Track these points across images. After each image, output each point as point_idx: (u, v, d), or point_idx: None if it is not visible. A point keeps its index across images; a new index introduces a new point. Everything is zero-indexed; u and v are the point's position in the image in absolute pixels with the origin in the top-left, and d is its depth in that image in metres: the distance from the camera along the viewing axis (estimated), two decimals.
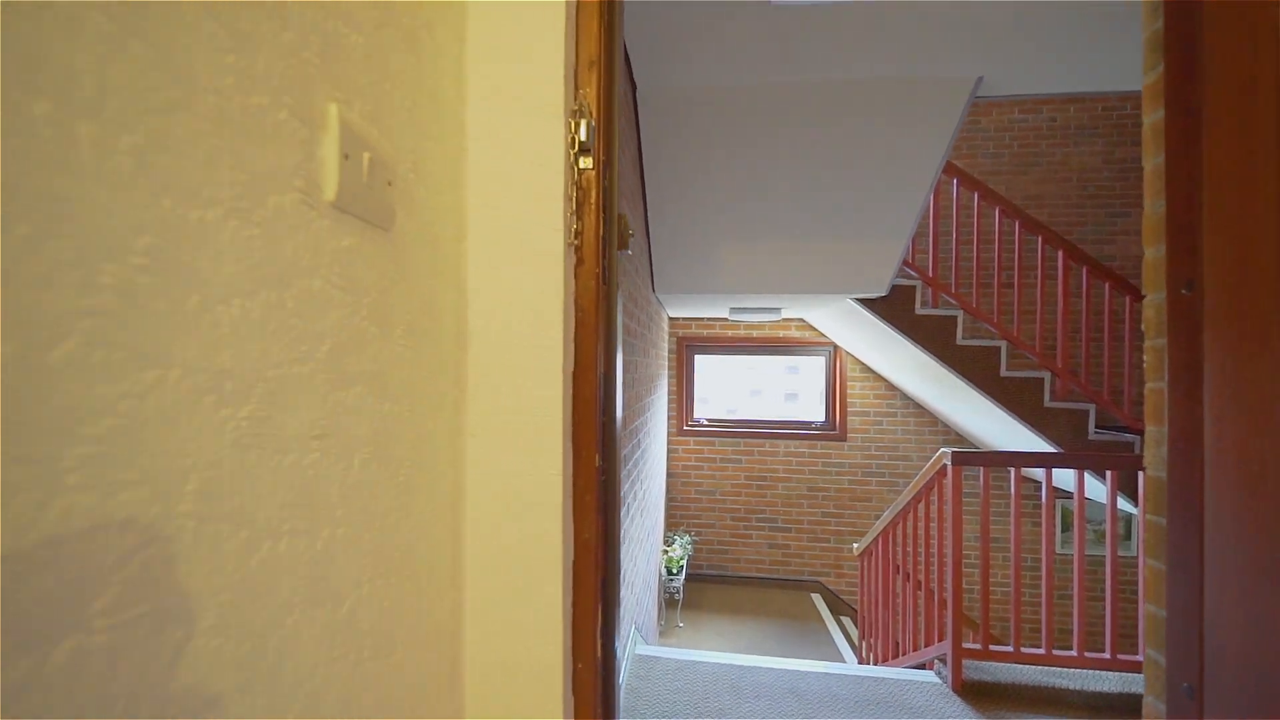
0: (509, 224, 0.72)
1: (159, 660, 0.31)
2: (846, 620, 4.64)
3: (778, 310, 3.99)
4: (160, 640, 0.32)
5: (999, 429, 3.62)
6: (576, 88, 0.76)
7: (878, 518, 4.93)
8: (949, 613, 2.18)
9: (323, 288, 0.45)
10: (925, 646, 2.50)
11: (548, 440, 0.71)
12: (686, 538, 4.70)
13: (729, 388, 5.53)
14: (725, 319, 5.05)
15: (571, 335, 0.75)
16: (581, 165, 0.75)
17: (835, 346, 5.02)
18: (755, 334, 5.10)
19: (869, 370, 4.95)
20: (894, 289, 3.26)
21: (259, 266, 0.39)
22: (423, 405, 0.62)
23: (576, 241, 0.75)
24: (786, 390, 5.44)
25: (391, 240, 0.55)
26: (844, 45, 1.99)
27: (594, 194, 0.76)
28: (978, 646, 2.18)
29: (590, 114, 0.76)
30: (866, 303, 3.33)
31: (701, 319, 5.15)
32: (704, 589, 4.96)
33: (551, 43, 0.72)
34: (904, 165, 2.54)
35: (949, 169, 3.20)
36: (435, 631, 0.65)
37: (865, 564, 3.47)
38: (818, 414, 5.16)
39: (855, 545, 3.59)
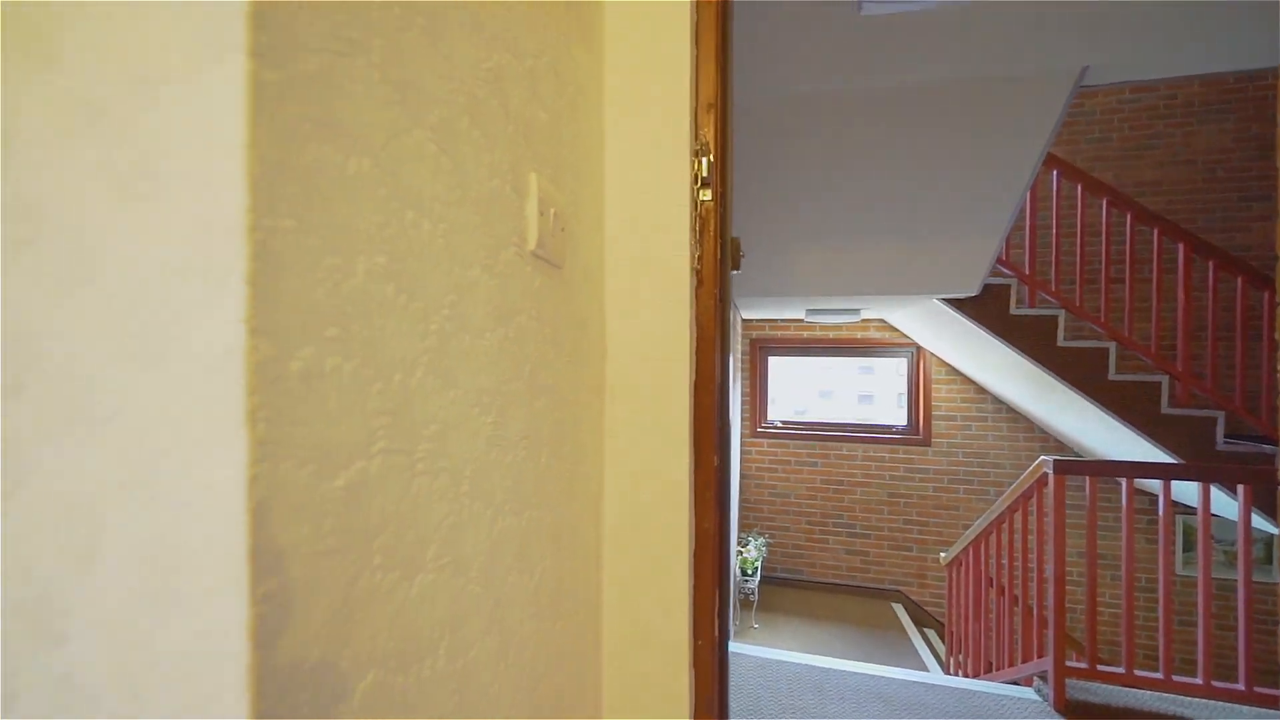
0: (640, 253, 0.83)
1: (441, 599, 0.44)
2: (931, 633, 4.46)
3: (857, 311, 3.92)
4: (453, 584, 0.44)
5: (1106, 436, 3.36)
6: (697, 128, 0.85)
7: (966, 527, 4.69)
8: (1049, 630, 2.09)
9: (527, 320, 0.57)
10: (1022, 663, 2.39)
11: (676, 442, 0.81)
12: (761, 540, 4.70)
13: (799, 389, 5.42)
14: (800, 320, 4.99)
15: (693, 349, 0.84)
16: (702, 197, 0.84)
17: (918, 347, 4.83)
18: (831, 334, 5.00)
19: (956, 372, 4.72)
20: (985, 288, 3.12)
21: (498, 307, 0.51)
22: (579, 410, 0.74)
23: (698, 266, 0.84)
24: (860, 391, 5.25)
25: (562, 276, 0.67)
26: (934, 48, 1.96)
27: (712, 222, 0.86)
28: (1084, 665, 2.07)
29: (710, 151, 0.85)
30: (955, 303, 3.20)
31: (775, 320, 5.12)
32: (779, 592, 4.93)
33: (677, 92, 0.82)
34: (998, 164, 2.44)
35: (1048, 160, 3.02)
36: (586, 603, 0.77)
37: (954, 575, 3.33)
38: (897, 417, 4.98)
39: (942, 555, 3.46)
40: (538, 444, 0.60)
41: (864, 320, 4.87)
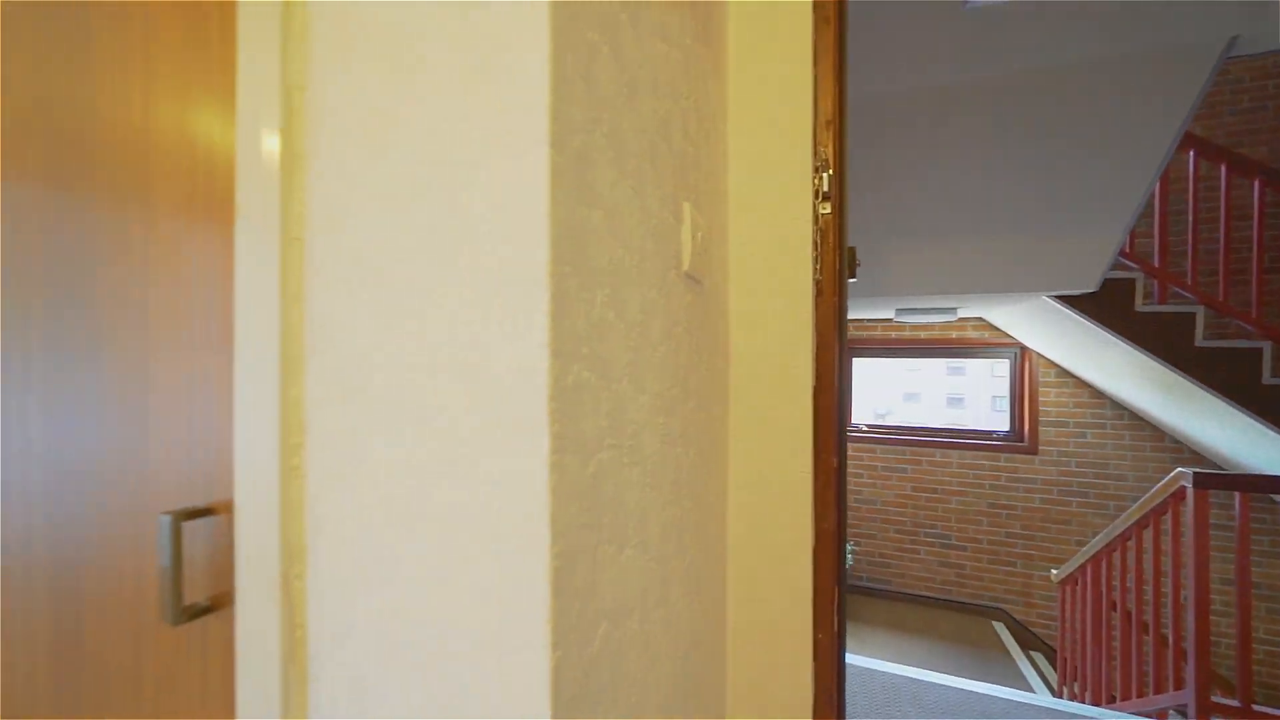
0: (763, 266, 0.88)
1: (635, 571, 0.52)
2: (1039, 657, 4.13)
3: (953, 310, 3.71)
4: (642, 560, 0.52)
5: (1256, 448, 2.96)
6: (816, 145, 0.89)
7: (1080, 543, 4.30)
8: (1189, 662, 1.90)
9: (682, 333, 0.65)
10: (1155, 694, 2.19)
11: (798, 444, 0.86)
12: (847, 546, 4.56)
13: (881, 391, 5.18)
14: (888, 320, 4.79)
15: (814, 356, 0.89)
16: (822, 210, 0.88)
17: (1022, 347, 4.49)
18: (923, 335, 4.76)
19: (1068, 374, 4.34)
20: (1105, 283, 2.86)
21: (665, 322, 0.59)
22: (713, 414, 0.81)
23: (818, 277, 0.89)
24: (949, 394, 4.94)
25: (703, 291, 0.74)
26: (1049, 31, 1.85)
27: (831, 234, 0.89)
28: (1234, 704, 1.87)
29: (830, 166, 0.89)
30: (1069, 300, 2.97)
31: (860, 320, 4.95)
32: (865, 602, 4.76)
33: (800, 112, 0.86)
34: (1124, 149, 2.25)
35: (1183, 141, 2.72)
36: (716, 591, 0.84)
37: (1068, 594, 3.08)
38: (996, 422, 4.65)
39: (1054, 572, 3.21)
40: (689, 443, 0.67)
41: (960, 319, 4.60)
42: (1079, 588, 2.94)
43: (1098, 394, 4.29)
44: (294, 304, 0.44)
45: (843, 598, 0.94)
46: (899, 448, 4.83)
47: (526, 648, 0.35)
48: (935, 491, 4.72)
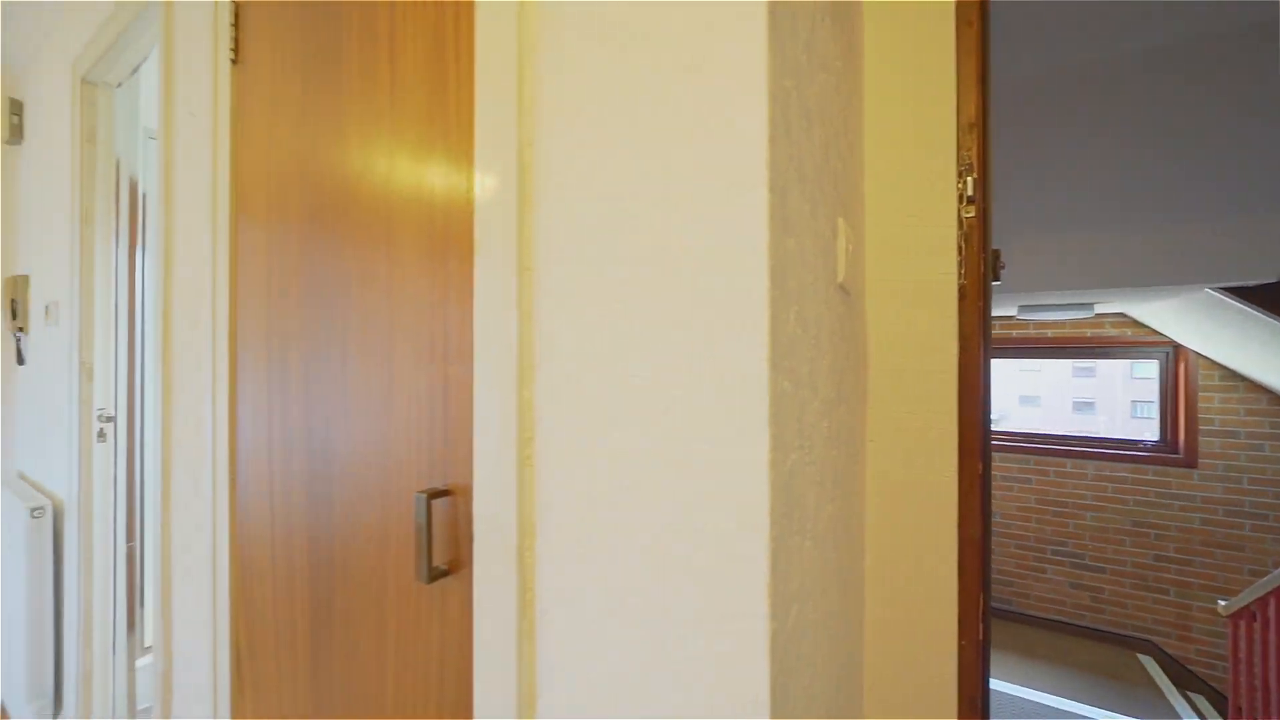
0: (903, 272, 0.89)
1: (812, 561, 0.56)
2: (1201, 699, 3.61)
3: (1090, 306, 3.36)
4: (815, 551, 0.57)
5: None
6: (960, 150, 0.89)
7: (1256, 572, 3.71)
8: None
9: (838, 341, 0.68)
10: None
11: (942, 448, 0.86)
12: None
13: (996, 393, 4.76)
14: (1009, 316, 4.41)
15: (957, 360, 0.88)
16: (966, 214, 0.88)
17: (1175, 346, 3.94)
18: (1049, 333, 4.33)
19: (1237, 377, 3.76)
20: None
21: (828, 332, 0.63)
22: (857, 417, 0.83)
23: (962, 281, 0.88)
24: (1076, 397, 4.47)
25: (849, 299, 0.77)
26: None
27: (975, 238, 0.88)
28: None
29: (974, 169, 0.88)
30: (1239, 292, 2.58)
31: None
32: None
33: (943, 117, 0.86)
34: None
35: None
36: (855, 590, 0.86)
37: (1242, 630, 2.68)
38: (1138, 429, 4.11)
39: (1222, 604, 2.80)
40: (840, 444, 0.71)
41: (1096, 315, 4.13)
42: (1260, 625, 2.55)
43: (1277, 400, 3.68)
44: (527, 323, 0.54)
45: (988, 606, 0.92)
46: (1021, 456, 4.43)
47: (749, 615, 0.41)
48: (1064, 505, 4.28)
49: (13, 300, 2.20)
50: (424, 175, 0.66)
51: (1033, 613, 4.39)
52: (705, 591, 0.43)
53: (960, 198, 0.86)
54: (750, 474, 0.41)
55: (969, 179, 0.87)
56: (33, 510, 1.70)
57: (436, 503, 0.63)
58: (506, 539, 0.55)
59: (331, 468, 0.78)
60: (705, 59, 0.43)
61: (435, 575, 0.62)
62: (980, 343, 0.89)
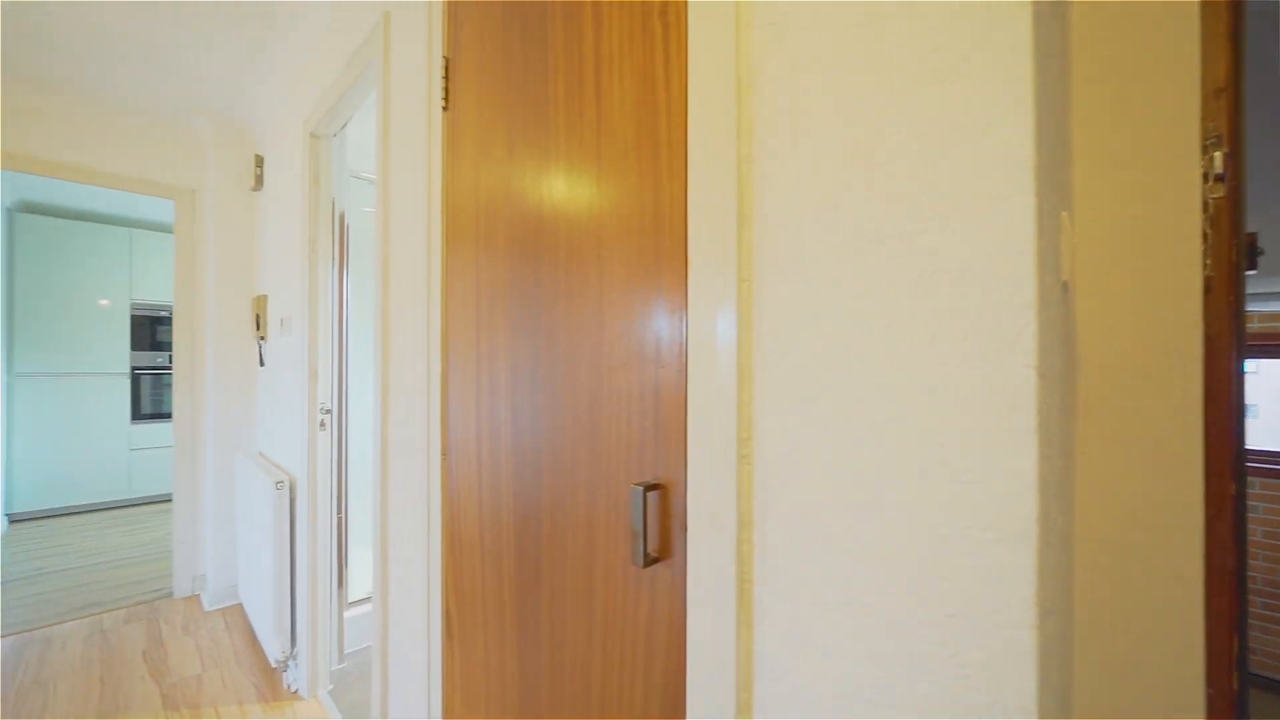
0: (1129, 263, 0.79)
1: (1049, 568, 0.53)
2: None
3: None
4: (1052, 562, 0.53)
5: None
6: (1204, 119, 0.77)
7: None
8: None
9: (1059, 344, 0.63)
10: None
11: (1182, 465, 0.75)
12: None
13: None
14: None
15: (1202, 362, 0.76)
16: (1213, 195, 0.76)
17: None
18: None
19: None
20: None
21: (1057, 333, 0.59)
22: (1070, 422, 0.76)
23: (1209, 272, 0.76)
24: None
25: (1067, 297, 0.71)
26: None
27: (1224, 221, 0.76)
28: None
29: (1223, 142, 0.76)
30: None
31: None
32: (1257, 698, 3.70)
33: (1182, 82, 0.76)
34: None
35: None
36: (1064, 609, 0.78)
37: None
38: None
39: None
40: (1065, 455, 0.65)
41: None
42: None
43: None
44: (746, 330, 0.58)
45: (1244, 651, 0.78)
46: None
47: (1018, 625, 0.40)
48: None
49: (256, 315, 2.75)
50: (633, 197, 0.73)
51: (1267, 674, 3.59)
52: (954, 597, 0.43)
53: (1205, 176, 0.75)
54: (1019, 481, 0.40)
55: (1216, 154, 0.75)
56: (276, 483, 2.11)
57: (649, 495, 0.69)
58: (724, 532, 0.59)
59: (540, 458, 0.89)
60: (959, 68, 0.44)
61: (650, 561, 0.68)
62: (1232, 342, 0.76)
